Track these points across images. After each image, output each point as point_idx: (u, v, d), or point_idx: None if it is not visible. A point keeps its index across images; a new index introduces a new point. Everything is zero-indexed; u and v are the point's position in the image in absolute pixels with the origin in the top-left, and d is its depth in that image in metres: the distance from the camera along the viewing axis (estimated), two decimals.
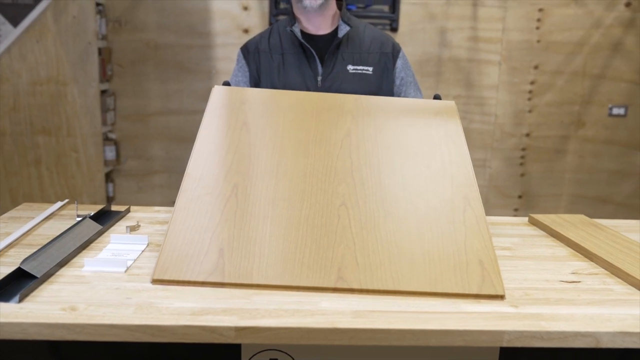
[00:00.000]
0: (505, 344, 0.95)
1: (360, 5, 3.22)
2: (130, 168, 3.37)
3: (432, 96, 1.85)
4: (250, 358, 1.07)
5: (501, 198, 3.57)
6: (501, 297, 1.05)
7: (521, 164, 3.53)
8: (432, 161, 1.33)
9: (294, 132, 1.38)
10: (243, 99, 1.48)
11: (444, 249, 1.14)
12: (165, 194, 3.40)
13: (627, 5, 3.31)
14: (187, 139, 3.31)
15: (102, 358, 1.11)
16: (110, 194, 3.33)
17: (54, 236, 1.22)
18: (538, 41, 3.35)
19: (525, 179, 3.55)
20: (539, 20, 3.32)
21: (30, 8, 2.88)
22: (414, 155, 1.35)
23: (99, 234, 1.32)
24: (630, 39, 3.36)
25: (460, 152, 1.36)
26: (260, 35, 1.89)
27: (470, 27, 3.31)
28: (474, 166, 3.68)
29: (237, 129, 1.38)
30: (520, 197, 3.57)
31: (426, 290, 1.05)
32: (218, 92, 1.50)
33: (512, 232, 1.49)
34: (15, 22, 2.89)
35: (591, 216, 1.61)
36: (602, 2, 3.31)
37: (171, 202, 3.34)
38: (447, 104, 1.54)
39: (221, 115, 1.42)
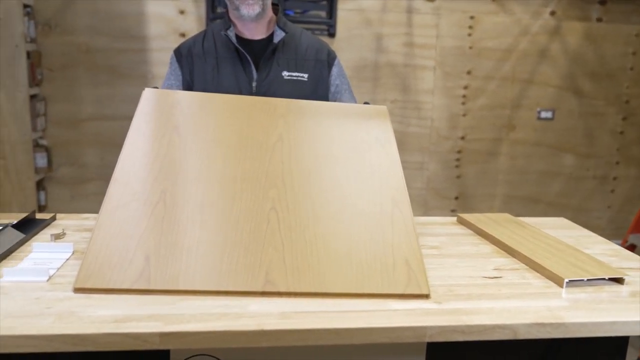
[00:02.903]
0: (428, 339, 0.99)
1: (298, 10, 3.25)
2: (63, 175, 3.26)
3: (365, 102, 1.89)
4: None
5: (439, 199, 3.67)
6: (426, 296, 1.08)
7: (457, 166, 3.63)
8: (362, 165, 1.36)
9: (226, 136, 1.37)
10: (174, 102, 1.46)
11: (371, 251, 1.16)
12: (100, 201, 3.28)
13: (552, 14, 3.48)
14: (122, 145, 3.22)
15: None
16: (42, 203, 3.21)
17: None
18: (470, 47, 3.47)
19: (461, 181, 3.66)
20: (470, 27, 3.45)
21: None
22: (344, 159, 1.37)
23: (21, 243, 1.27)
24: (556, 45, 3.53)
25: (389, 156, 1.39)
26: (194, 38, 1.87)
27: (406, 33, 3.39)
28: (412, 169, 3.76)
29: (166, 133, 1.36)
30: (457, 198, 3.68)
31: (353, 292, 1.07)
32: (148, 95, 1.47)
33: (441, 231, 1.53)
34: None
35: (523, 215, 1.68)
36: (528, 11, 3.46)
37: None
38: (379, 108, 1.57)
39: (151, 119, 1.40)
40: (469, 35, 3.46)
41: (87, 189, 3.29)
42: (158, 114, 1.41)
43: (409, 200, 1.30)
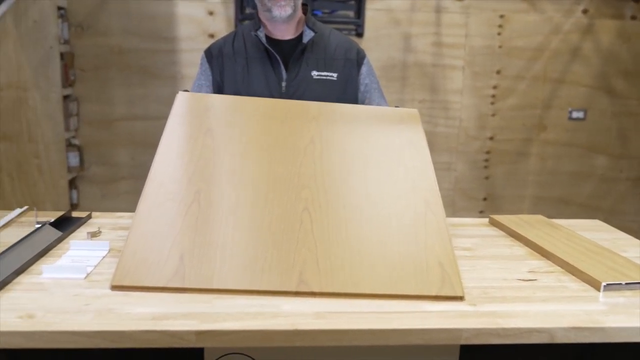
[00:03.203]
0: (463, 342, 0.98)
1: (326, 10, 3.25)
2: (95, 174, 3.32)
3: (394, 105, 1.88)
4: None
5: (467, 200, 3.63)
6: (460, 298, 1.07)
7: (485, 166, 3.59)
8: (394, 167, 1.36)
9: (258, 138, 1.39)
10: (207, 105, 1.48)
11: (404, 252, 1.15)
12: (131, 200, 3.33)
13: (585, 12, 3.42)
14: (152, 145, 3.23)
15: None
16: (75, 201, 3.27)
17: (12, 243, 1.20)
18: (500, 46, 3.43)
19: (489, 182, 3.62)
20: (500, 26, 3.40)
21: None
22: (376, 161, 1.37)
23: (59, 240, 1.30)
24: (588, 44, 3.46)
25: (422, 158, 1.39)
26: (224, 39, 1.89)
27: (434, 33, 3.37)
28: (440, 169, 3.73)
29: (200, 135, 1.38)
30: (485, 199, 3.64)
31: (386, 293, 1.07)
32: (182, 99, 1.49)
33: (473, 232, 1.52)
34: None
35: (553, 217, 1.65)
36: (560, 9, 3.40)
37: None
38: (410, 111, 1.58)
39: (185, 122, 1.42)
40: (499, 34, 3.42)
41: (118, 188, 3.35)
42: (192, 117, 1.43)
43: (441, 202, 1.29)
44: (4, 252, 1.14)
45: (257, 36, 1.80)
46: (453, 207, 3.60)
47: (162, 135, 1.37)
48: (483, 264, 1.28)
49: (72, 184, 3.23)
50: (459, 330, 0.97)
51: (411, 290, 1.07)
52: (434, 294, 1.07)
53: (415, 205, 1.26)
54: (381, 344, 0.96)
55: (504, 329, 0.97)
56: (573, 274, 1.22)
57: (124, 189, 3.35)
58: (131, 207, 3.60)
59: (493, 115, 3.52)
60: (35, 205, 1.56)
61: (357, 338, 0.95)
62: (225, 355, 1.07)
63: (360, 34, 3.29)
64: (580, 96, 3.54)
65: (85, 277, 1.11)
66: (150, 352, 1.00)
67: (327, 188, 1.27)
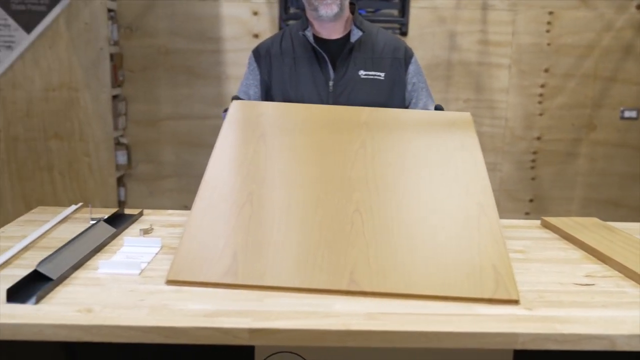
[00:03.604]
0: (519, 347, 0.95)
1: (370, 9, 3.23)
2: (142, 172, 3.39)
3: (436, 106, 1.85)
4: None
5: (512, 202, 3.55)
6: (515, 301, 1.05)
7: (532, 167, 3.51)
8: (446, 170, 1.34)
9: (310, 143, 1.41)
10: (260, 112, 1.52)
11: (457, 255, 1.14)
12: (175, 198, 3.41)
13: (639, 7, 3.30)
14: (197, 144, 3.32)
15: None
16: (122, 198, 3.35)
17: (69, 239, 1.23)
18: (548, 44, 3.34)
19: (536, 183, 3.53)
20: (549, 23, 3.31)
21: (43, 15, 2.91)
22: (428, 164, 1.36)
23: (113, 237, 1.33)
24: None
25: (475, 161, 1.38)
26: (272, 38, 1.90)
27: (480, 31, 3.31)
28: None
29: (253, 141, 1.41)
30: (531, 200, 3.55)
31: (439, 294, 1.05)
32: (236, 106, 1.54)
33: (525, 235, 1.48)
34: (28, 28, 2.92)
35: (603, 219, 1.60)
36: (612, 5, 3.29)
37: (181, 206, 3.36)
38: (463, 115, 1.57)
39: (238, 128, 1.46)
40: (547, 31, 3.33)
41: (164, 186, 3.41)
42: (245, 123, 1.47)
43: (495, 206, 1.27)
44: (62, 247, 1.17)
45: (304, 36, 1.80)
46: (498, 209, 3.50)
47: (216, 141, 1.41)
48: (537, 267, 1.24)
49: (120, 181, 3.31)
50: (515, 334, 0.95)
51: (464, 292, 1.05)
52: (488, 296, 1.05)
53: (468, 208, 1.25)
54: (434, 346, 0.95)
55: (562, 335, 0.95)
56: (632, 279, 1.18)
57: (168, 187, 3.41)
58: (176, 204, 3.64)
59: (540, 114, 3.43)
60: (86, 202, 1.61)
61: (409, 340, 0.94)
62: (276, 353, 1.08)
63: (404, 33, 3.25)
64: (633, 95, 3.42)
65: (140, 273, 1.13)
66: (197, 349, 1.01)
67: (379, 190, 1.27)
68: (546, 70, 3.38)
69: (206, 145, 3.35)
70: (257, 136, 1.42)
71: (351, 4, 1.86)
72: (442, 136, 1.45)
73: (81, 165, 3.08)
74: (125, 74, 3.25)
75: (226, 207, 1.22)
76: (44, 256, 1.12)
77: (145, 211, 1.57)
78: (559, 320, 0.98)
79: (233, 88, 3.25)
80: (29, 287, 1.02)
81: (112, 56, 3.06)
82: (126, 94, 3.28)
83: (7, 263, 1.17)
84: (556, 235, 1.48)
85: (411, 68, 1.88)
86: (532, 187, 3.54)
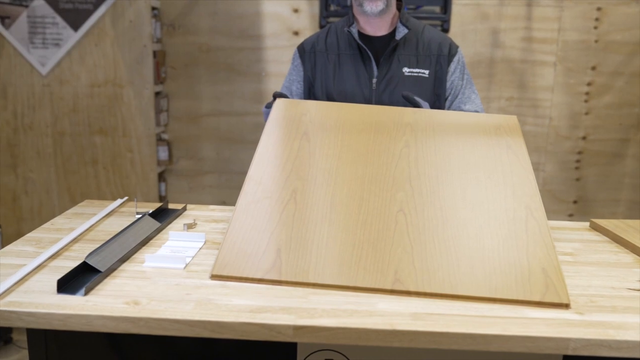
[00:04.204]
0: (570, 352, 0.92)
1: (411, 6, 3.19)
2: (182, 168, 3.44)
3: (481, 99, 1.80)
4: (306, 357, 1.07)
5: (555, 203, 3.46)
6: (566, 305, 1.02)
7: (577, 167, 3.41)
8: (492, 172, 1.32)
9: (353, 142, 1.40)
10: (303, 110, 1.52)
11: (504, 257, 1.11)
12: (215, 193, 3.45)
13: None
14: (237, 140, 3.35)
15: (155, 353, 1.13)
16: (163, 193, 3.41)
17: (115, 232, 1.26)
18: (596, 41, 3.24)
19: (580, 184, 3.43)
20: (597, 19, 3.21)
21: (89, 13, 2.98)
22: (473, 165, 1.33)
23: (158, 231, 1.35)
24: None
25: (522, 163, 1.35)
26: (317, 35, 1.90)
27: (525, 27, 3.23)
28: None
29: (297, 138, 1.41)
30: (575, 202, 3.46)
31: (486, 296, 1.03)
32: (280, 104, 1.54)
33: (573, 237, 1.44)
34: (75, 26, 3.00)
35: None
36: None
37: (221, 202, 3.40)
38: (508, 117, 1.53)
39: (282, 125, 1.46)
40: (595, 28, 3.23)
41: (204, 181, 3.45)
42: (288, 121, 1.47)
43: (543, 208, 1.24)
44: (109, 240, 1.19)
45: (349, 32, 1.79)
46: None
47: (260, 138, 1.42)
48: (587, 270, 1.20)
49: (161, 176, 3.37)
50: (566, 339, 0.92)
51: (512, 295, 1.03)
52: (537, 299, 1.02)
53: (515, 210, 1.22)
54: (481, 349, 0.92)
55: (616, 341, 0.91)
56: None
57: (208, 182, 3.45)
58: (215, 200, 3.68)
59: (587, 113, 3.34)
60: (128, 196, 1.64)
61: (456, 341, 0.92)
62: (318, 351, 1.07)
63: (446, 30, 3.20)
64: None
65: (185, 267, 1.14)
66: (240, 345, 1.01)
67: (423, 191, 1.26)
68: (593, 68, 3.28)
69: (246, 142, 3.39)
70: (301, 134, 1.43)
71: (398, 1, 1.83)
72: (487, 138, 1.43)
73: (124, 160, 3.15)
74: (167, 71, 3.30)
75: (270, 203, 1.22)
76: (92, 248, 1.14)
77: (188, 206, 1.59)
78: (612, 326, 0.95)
79: (273, 85, 3.26)
80: (78, 279, 1.05)
81: (155, 53, 3.11)
82: (168, 90, 3.33)
83: (56, 255, 1.20)
84: (606, 238, 1.43)
85: (453, 65, 1.85)
86: (577, 188, 3.44)
